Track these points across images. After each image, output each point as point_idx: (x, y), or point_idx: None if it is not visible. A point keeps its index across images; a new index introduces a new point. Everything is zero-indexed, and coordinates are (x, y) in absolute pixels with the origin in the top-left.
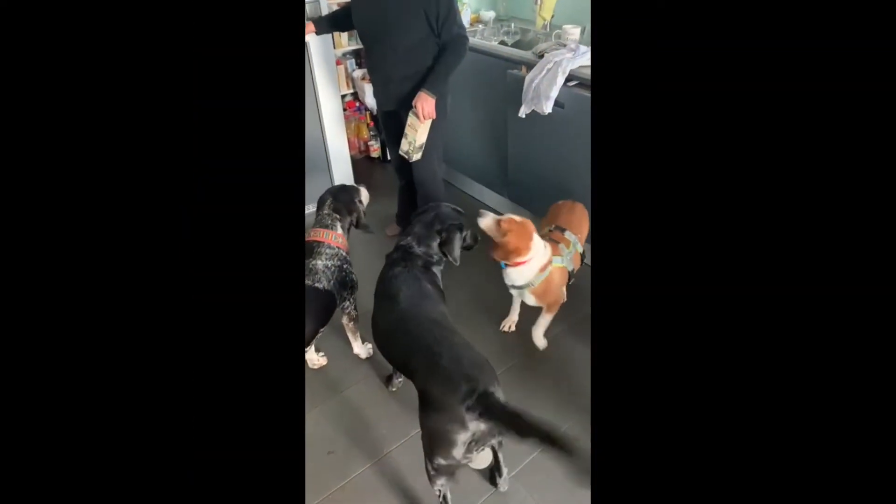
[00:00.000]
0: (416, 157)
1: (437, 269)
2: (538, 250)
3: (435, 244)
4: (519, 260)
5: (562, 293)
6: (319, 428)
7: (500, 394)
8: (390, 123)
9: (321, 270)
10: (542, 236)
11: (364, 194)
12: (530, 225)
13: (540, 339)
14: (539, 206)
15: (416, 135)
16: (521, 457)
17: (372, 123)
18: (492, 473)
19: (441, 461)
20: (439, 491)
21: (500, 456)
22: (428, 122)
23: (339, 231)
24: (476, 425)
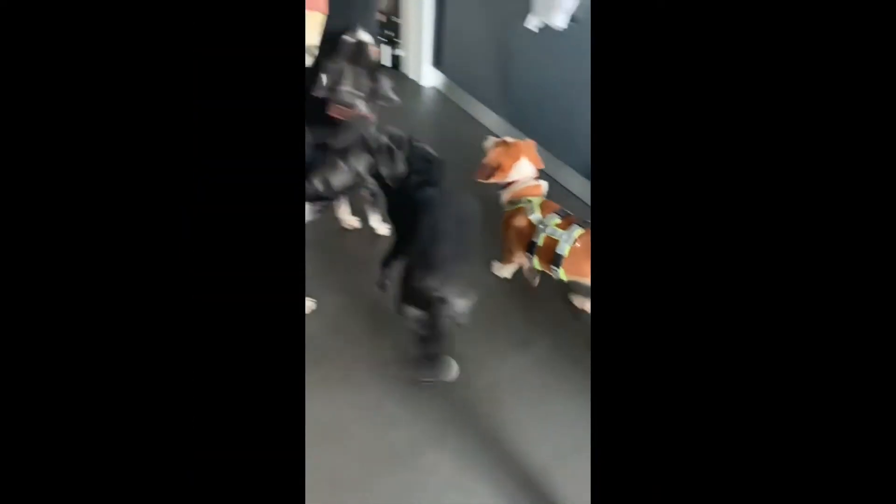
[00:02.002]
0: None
1: None
2: (524, 171)
3: None
4: (500, 179)
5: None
6: None
7: None
8: None
9: None
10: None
11: None
12: (519, 146)
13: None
14: (538, 131)
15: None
16: None
17: None
18: None
19: None
20: None
21: None
22: (317, 16)
23: None
24: None
